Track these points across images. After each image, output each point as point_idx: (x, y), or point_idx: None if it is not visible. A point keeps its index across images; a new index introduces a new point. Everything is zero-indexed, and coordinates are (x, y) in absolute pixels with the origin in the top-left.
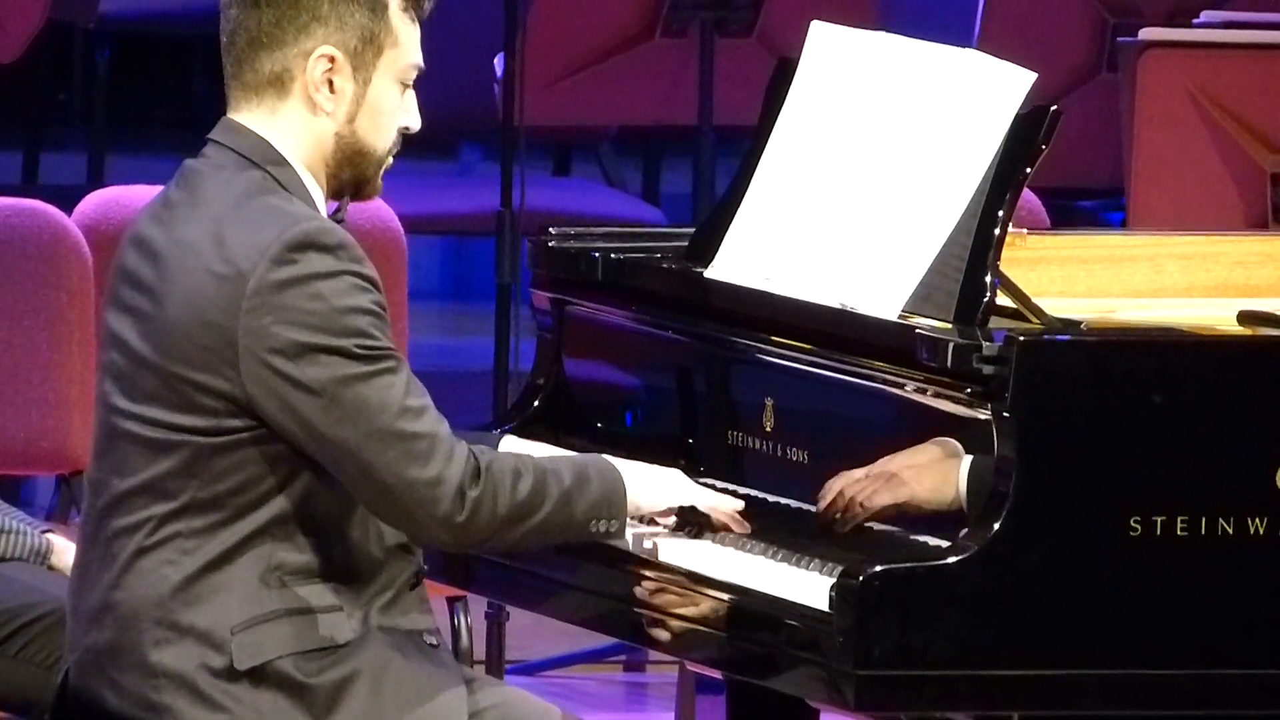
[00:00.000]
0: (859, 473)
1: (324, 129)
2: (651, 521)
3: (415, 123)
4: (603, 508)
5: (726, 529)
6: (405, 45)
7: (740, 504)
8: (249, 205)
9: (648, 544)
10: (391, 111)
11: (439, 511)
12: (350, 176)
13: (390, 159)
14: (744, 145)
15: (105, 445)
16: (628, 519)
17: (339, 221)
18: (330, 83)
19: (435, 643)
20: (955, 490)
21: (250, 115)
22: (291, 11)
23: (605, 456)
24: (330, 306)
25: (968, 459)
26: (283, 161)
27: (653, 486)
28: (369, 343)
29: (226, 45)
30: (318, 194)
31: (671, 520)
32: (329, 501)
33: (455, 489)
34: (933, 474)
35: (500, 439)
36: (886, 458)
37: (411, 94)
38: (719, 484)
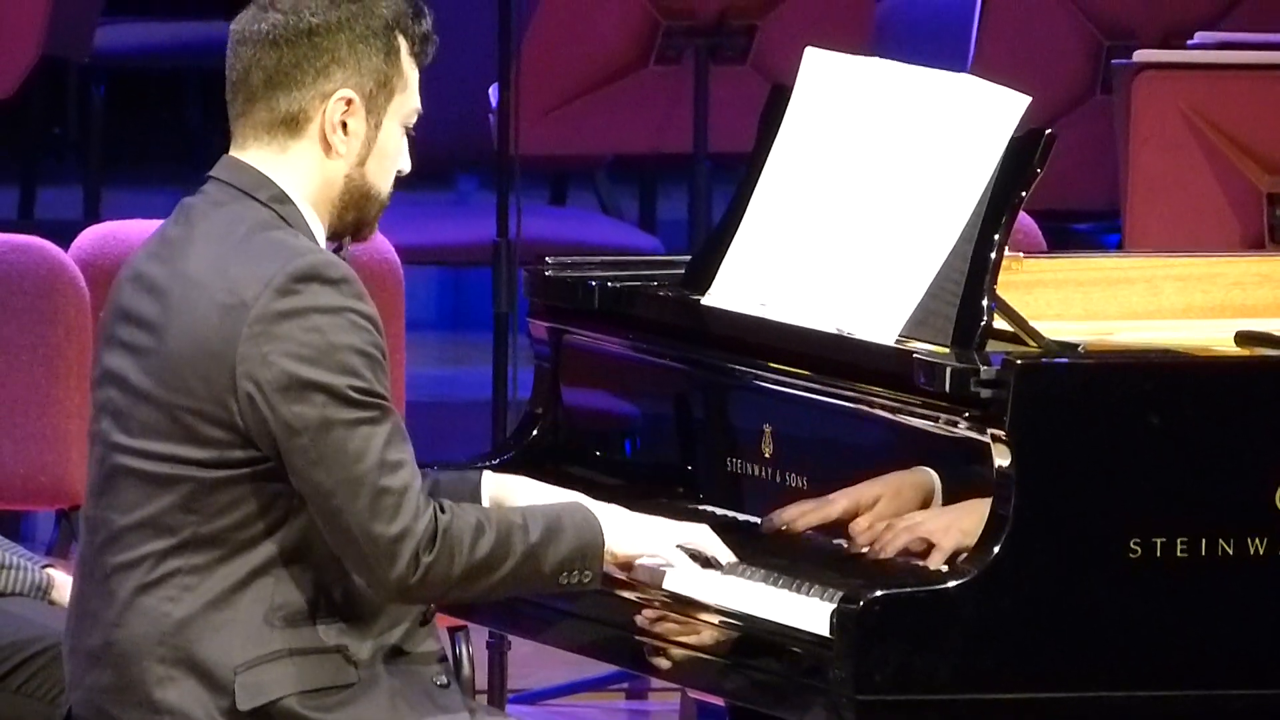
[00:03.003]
0: (902, 523)
1: (335, 170)
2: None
3: (408, 165)
4: (575, 561)
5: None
6: (412, 89)
7: (718, 543)
8: (254, 239)
9: (649, 571)
10: (395, 154)
11: (393, 571)
12: (353, 218)
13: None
14: (739, 172)
15: (103, 484)
16: (602, 567)
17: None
18: (344, 124)
19: (444, 682)
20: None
21: (257, 153)
22: (312, 53)
23: (584, 504)
24: (327, 341)
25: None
26: (286, 199)
27: (633, 535)
28: (359, 384)
29: (237, 82)
30: (320, 232)
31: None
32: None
33: (413, 551)
34: (974, 516)
35: (480, 478)
36: (924, 515)
37: (406, 138)
38: (718, 511)
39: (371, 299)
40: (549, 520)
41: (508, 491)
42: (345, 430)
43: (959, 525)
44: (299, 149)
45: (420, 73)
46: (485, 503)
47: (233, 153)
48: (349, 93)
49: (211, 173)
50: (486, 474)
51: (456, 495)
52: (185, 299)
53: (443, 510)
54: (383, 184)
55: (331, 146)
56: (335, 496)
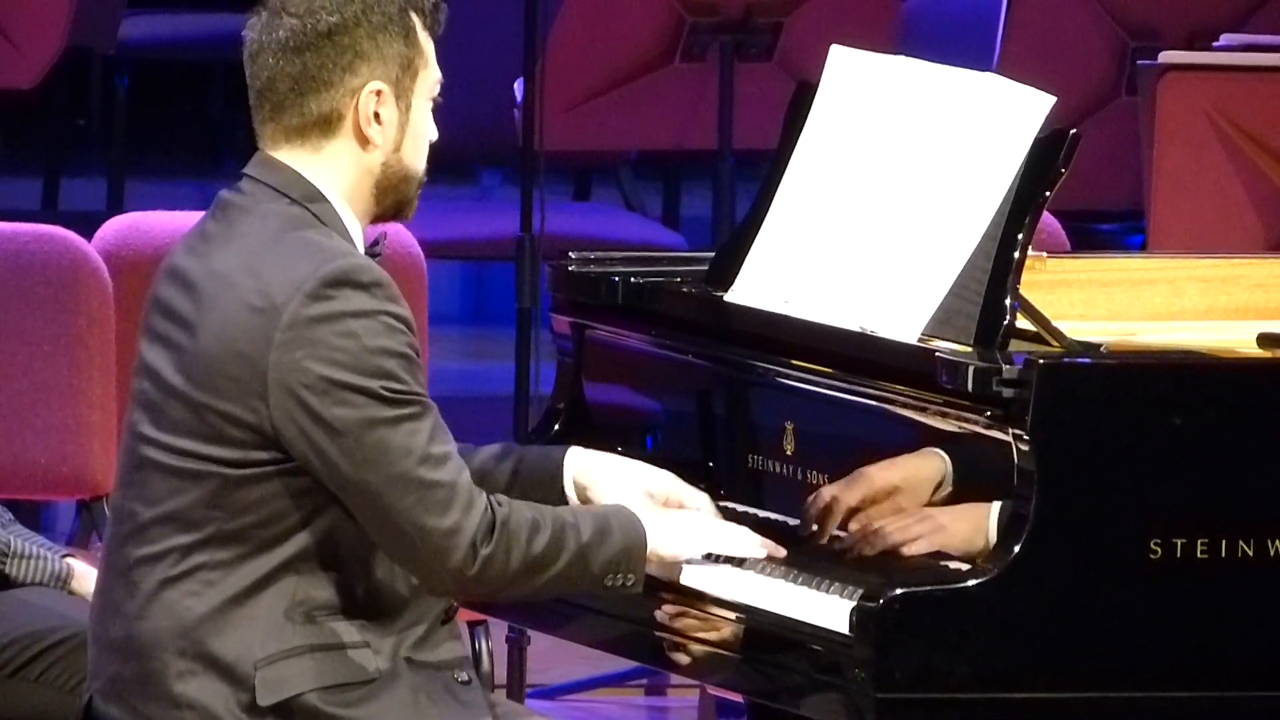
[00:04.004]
0: (896, 518)
1: (372, 160)
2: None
3: (435, 133)
4: (620, 563)
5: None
6: (432, 62)
7: (759, 545)
8: (286, 239)
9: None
10: (427, 130)
11: (451, 563)
12: (393, 201)
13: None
14: (764, 169)
15: (131, 474)
16: (646, 571)
17: (376, 256)
18: (377, 115)
19: (466, 679)
20: (985, 539)
21: (290, 154)
22: (334, 53)
23: (631, 505)
24: (361, 345)
25: (997, 505)
26: (320, 197)
27: (676, 538)
28: (396, 386)
29: (263, 91)
30: (355, 229)
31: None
32: (355, 537)
33: (469, 542)
34: (966, 522)
35: (563, 456)
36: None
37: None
38: (739, 508)
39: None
40: (598, 521)
41: (591, 473)
42: (387, 429)
43: (951, 529)
44: (334, 147)
45: (435, 43)
46: (567, 480)
47: (265, 150)
48: (378, 84)
49: (246, 170)
50: (572, 450)
51: (539, 472)
52: (216, 297)
53: (499, 504)
54: (419, 163)
55: (369, 139)
56: (384, 495)
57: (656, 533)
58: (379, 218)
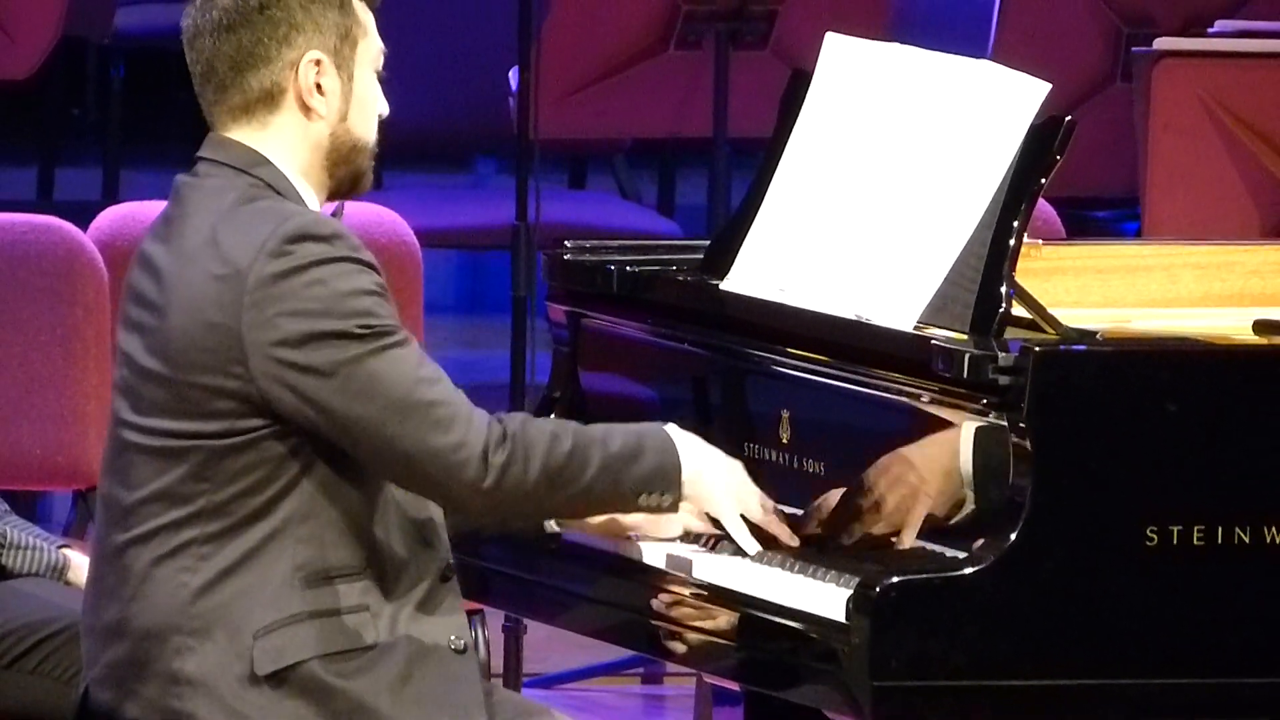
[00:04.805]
0: (874, 497)
1: (319, 132)
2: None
3: (386, 108)
4: (655, 480)
5: (774, 541)
6: (372, 32)
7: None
8: (242, 209)
9: (664, 557)
10: (373, 100)
11: (466, 477)
12: (346, 173)
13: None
14: (759, 157)
15: (113, 460)
16: (681, 500)
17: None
18: (318, 86)
19: (462, 646)
20: (961, 477)
21: (240, 132)
22: (268, 27)
23: (668, 427)
24: (331, 291)
25: (969, 428)
26: (270, 165)
27: (711, 477)
28: (374, 321)
29: (204, 75)
30: (311, 198)
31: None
32: (346, 499)
33: (479, 454)
34: (937, 478)
35: None
36: (893, 471)
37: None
38: None
39: (387, 273)
40: (629, 437)
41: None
42: (374, 360)
43: (922, 491)
44: (280, 121)
45: (374, 13)
46: None
47: (217, 132)
48: (316, 54)
49: (200, 153)
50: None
51: None
52: (180, 275)
53: (510, 418)
54: (367, 133)
55: (312, 109)
56: (385, 425)
57: (694, 465)
58: (335, 192)
